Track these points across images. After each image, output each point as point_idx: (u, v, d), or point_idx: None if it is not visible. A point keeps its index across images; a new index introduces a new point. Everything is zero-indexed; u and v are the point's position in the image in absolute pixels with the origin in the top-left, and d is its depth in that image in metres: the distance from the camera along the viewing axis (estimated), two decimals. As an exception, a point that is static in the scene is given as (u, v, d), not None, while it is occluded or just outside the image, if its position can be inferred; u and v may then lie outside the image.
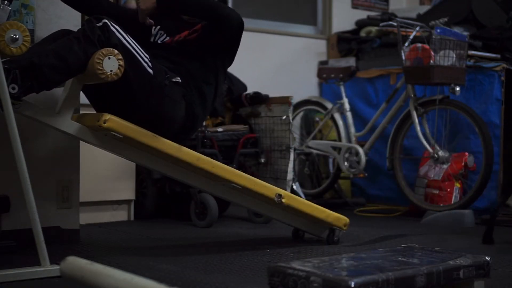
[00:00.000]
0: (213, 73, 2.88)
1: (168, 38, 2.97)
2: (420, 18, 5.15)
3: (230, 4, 5.28)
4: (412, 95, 4.26)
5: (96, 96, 2.78)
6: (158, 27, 2.99)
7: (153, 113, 2.67)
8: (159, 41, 2.97)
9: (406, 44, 4.25)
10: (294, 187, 4.03)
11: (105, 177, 3.70)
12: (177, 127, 2.74)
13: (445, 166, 4.18)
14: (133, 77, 2.57)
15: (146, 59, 2.62)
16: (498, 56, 4.43)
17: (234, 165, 3.71)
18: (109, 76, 2.49)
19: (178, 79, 2.76)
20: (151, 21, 2.87)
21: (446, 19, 4.42)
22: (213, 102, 2.92)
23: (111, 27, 2.53)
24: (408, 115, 4.29)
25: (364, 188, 5.06)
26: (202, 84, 2.82)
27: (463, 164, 4.16)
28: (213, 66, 2.88)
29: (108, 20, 2.54)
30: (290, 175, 3.80)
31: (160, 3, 2.78)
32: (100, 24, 2.51)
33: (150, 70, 2.62)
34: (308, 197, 4.65)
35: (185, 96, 2.76)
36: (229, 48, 2.93)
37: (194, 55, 2.85)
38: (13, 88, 2.35)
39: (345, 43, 5.49)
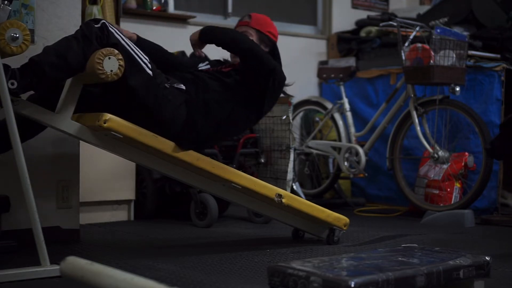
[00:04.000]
0: (230, 100, 2.86)
1: (208, 67, 3.08)
2: (420, 18, 5.15)
3: (230, 6, 5.29)
4: (412, 95, 4.26)
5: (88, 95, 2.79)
6: (206, 62, 3.14)
7: (150, 113, 2.67)
8: (199, 68, 3.09)
9: (406, 44, 4.25)
10: (294, 187, 4.03)
11: (105, 177, 3.70)
12: (174, 130, 2.73)
13: (445, 166, 4.18)
14: (132, 76, 2.58)
15: (145, 61, 2.64)
16: (498, 56, 4.43)
17: (234, 165, 3.71)
18: (109, 76, 2.49)
19: (182, 86, 2.79)
20: (202, 52, 3.00)
21: (446, 19, 4.41)
22: (224, 126, 2.87)
23: (110, 28, 2.55)
24: (408, 115, 4.29)
25: (364, 188, 5.06)
26: (211, 101, 2.81)
27: (463, 164, 4.16)
28: (233, 96, 2.87)
29: (106, 21, 2.56)
30: (290, 175, 3.80)
31: (202, 37, 2.89)
32: (98, 25, 2.54)
33: (150, 71, 2.64)
34: (308, 197, 4.65)
35: (188, 101, 2.76)
36: (259, 91, 2.91)
37: (220, 79, 2.90)
38: (12, 84, 2.37)
39: (345, 43, 5.49)
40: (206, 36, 2.90)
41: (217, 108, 2.82)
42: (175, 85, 2.78)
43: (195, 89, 2.81)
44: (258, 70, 2.87)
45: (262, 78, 2.88)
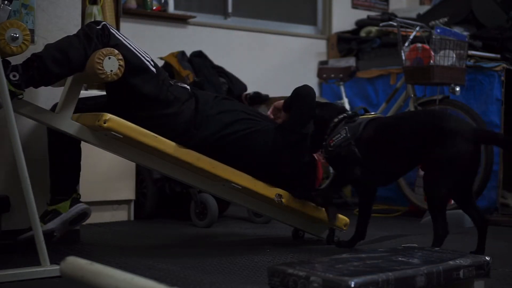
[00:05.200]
0: (246, 126, 2.85)
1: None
2: (420, 18, 5.15)
3: (230, 6, 5.29)
4: (412, 95, 4.26)
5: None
6: None
7: (155, 109, 2.68)
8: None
9: (406, 44, 4.25)
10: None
11: (105, 177, 3.70)
12: (177, 127, 2.73)
13: (445, 166, 4.17)
14: (137, 74, 2.61)
15: (148, 59, 2.67)
16: (498, 56, 4.43)
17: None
18: (109, 76, 2.49)
19: (186, 86, 2.84)
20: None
21: (446, 19, 4.41)
22: (227, 138, 2.83)
23: (111, 30, 2.60)
24: (408, 115, 4.29)
25: (364, 188, 5.05)
26: (225, 120, 2.82)
27: (463, 164, 4.14)
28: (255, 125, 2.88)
29: (107, 23, 2.60)
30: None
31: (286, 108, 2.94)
32: (100, 26, 2.58)
33: (153, 69, 2.67)
34: (308, 197, 4.65)
35: (198, 104, 2.78)
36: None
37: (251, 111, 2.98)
38: (14, 76, 2.38)
39: (345, 43, 5.49)
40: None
41: (226, 128, 2.81)
42: (179, 84, 2.83)
43: (212, 100, 2.86)
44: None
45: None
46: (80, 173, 2.89)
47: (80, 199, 2.85)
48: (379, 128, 2.81)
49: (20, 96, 2.45)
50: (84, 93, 3.25)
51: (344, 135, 2.81)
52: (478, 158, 2.69)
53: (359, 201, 3.03)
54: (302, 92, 2.89)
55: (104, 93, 2.86)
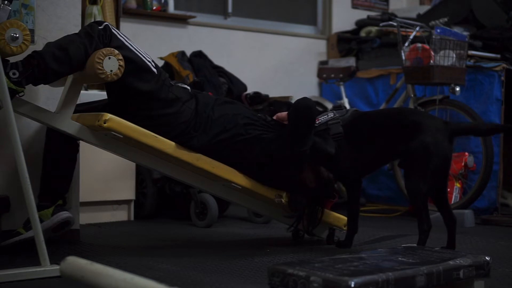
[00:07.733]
0: (243, 131, 2.82)
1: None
2: (420, 18, 5.15)
3: (230, 6, 5.29)
4: (412, 95, 4.26)
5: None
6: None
7: (157, 108, 2.69)
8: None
9: (406, 44, 4.25)
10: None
11: (105, 177, 3.70)
12: (179, 126, 2.73)
13: (445, 166, 4.17)
14: (139, 74, 2.61)
15: (149, 59, 2.67)
16: (498, 56, 4.43)
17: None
18: (109, 76, 2.49)
19: (186, 86, 2.85)
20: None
21: (446, 19, 4.41)
22: (222, 140, 2.79)
23: (113, 30, 2.60)
24: (408, 115, 4.28)
25: (364, 188, 5.05)
26: (225, 124, 2.79)
27: (463, 164, 4.15)
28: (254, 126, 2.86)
29: (109, 23, 2.61)
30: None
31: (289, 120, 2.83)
32: (102, 26, 2.59)
33: (154, 70, 2.67)
34: (308, 197, 4.64)
35: (199, 105, 2.78)
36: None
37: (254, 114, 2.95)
38: (14, 74, 2.38)
39: (345, 43, 5.49)
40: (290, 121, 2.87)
41: (227, 130, 2.79)
42: (180, 84, 2.84)
43: (213, 102, 2.84)
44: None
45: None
46: (72, 179, 2.88)
47: (65, 205, 2.82)
48: (364, 117, 2.93)
49: (21, 94, 2.45)
50: (84, 93, 3.25)
51: (332, 115, 2.92)
52: (451, 152, 2.76)
53: (347, 195, 3.07)
54: (301, 106, 2.74)
55: (105, 95, 2.86)
